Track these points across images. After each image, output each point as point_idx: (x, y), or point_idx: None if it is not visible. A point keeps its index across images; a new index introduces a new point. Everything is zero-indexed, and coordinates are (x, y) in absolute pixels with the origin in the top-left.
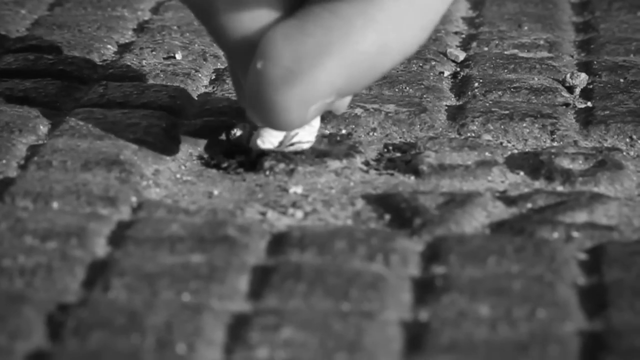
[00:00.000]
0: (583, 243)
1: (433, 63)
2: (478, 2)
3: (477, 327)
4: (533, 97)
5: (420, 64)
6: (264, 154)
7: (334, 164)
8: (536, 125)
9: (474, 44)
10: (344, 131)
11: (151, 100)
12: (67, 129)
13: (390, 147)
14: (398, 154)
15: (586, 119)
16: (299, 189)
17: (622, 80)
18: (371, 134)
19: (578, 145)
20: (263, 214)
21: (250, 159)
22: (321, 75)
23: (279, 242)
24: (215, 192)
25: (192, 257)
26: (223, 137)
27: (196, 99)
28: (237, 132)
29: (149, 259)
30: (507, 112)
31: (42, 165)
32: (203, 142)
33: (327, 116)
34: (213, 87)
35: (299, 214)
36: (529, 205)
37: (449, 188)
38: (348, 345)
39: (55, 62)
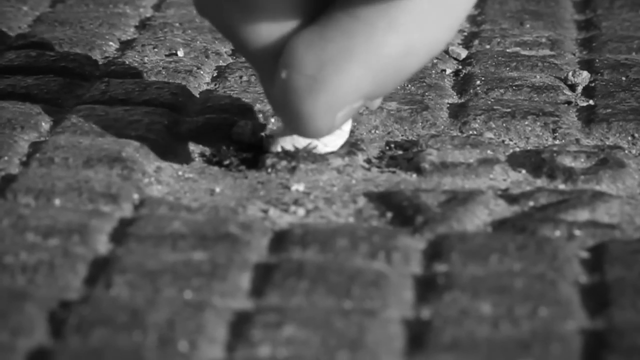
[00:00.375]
0: (585, 241)
1: (435, 61)
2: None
3: (479, 325)
4: (535, 95)
5: None
6: (266, 151)
7: (336, 162)
8: (538, 123)
9: (476, 42)
10: None
11: (153, 97)
12: (69, 125)
13: (392, 145)
14: (400, 152)
15: (588, 117)
16: (300, 187)
17: (624, 78)
18: (373, 131)
19: (580, 144)
20: (265, 211)
21: (253, 157)
22: (345, 81)
23: (280, 239)
24: (217, 190)
25: (194, 254)
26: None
27: (198, 96)
28: (239, 129)
29: (150, 256)
30: (509, 110)
31: (44, 162)
32: (205, 139)
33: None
34: (215, 85)
35: (301, 211)
36: (531, 203)
37: (451, 186)
38: (350, 343)
39: (57, 58)
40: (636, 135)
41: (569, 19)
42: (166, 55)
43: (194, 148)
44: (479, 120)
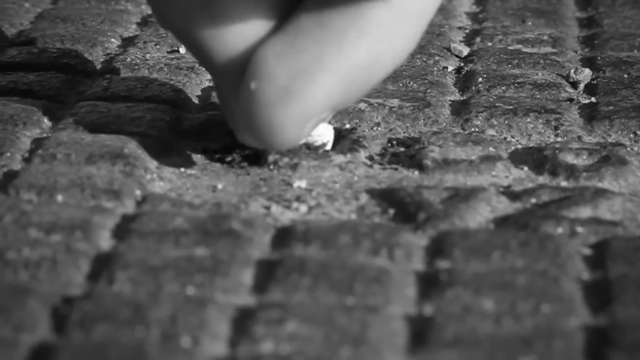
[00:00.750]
0: (587, 238)
1: (437, 58)
2: None
3: (481, 322)
4: (537, 93)
5: (424, 59)
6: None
7: (338, 159)
8: (540, 121)
9: (478, 39)
10: (347, 126)
11: (155, 94)
12: (71, 122)
13: (394, 142)
14: (402, 149)
15: (590, 115)
16: (303, 183)
17: (626, 75)
18: (375, 128)
19: (582, 141)
20: (267, 207)
21: (255, 153)
22: (318, 91)
23: (283, 236)
24: (220, 186)
25: (196, 250)
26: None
27: (200, 92)
28: None
29: (153, 252)
30: (511, 107)
31: (46, 158)
32: (207, 136)
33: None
34: None
35: (303, 208)
36: (533, 200)
37: (453, 183)
38: (352, 340)
39: (59, 55)
40: (638, 132)
41: (571, 16)
42: (168, 52)
43: (196, 145)
44: (481, 118)
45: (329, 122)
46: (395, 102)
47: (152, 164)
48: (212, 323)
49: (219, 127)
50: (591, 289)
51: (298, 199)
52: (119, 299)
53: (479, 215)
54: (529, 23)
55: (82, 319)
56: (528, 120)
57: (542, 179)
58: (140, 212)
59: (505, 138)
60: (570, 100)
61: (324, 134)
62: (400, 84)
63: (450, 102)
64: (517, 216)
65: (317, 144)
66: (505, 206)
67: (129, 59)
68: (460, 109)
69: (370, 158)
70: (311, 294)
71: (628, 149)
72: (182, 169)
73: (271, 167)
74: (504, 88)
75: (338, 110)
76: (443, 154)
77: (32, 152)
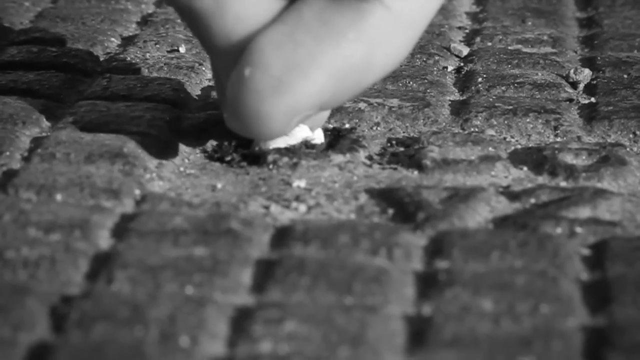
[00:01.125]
0: (586, 238)
1: (437, 58)
2: None
3: (480, 322)
4: (537, 93)
5: (424, 59)
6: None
7: (338, 158)
8: (540, 121)
9: (478, 39)
10: (347, 125)
11: (155, 93)
12: (70, 121)
13: (394, 142)
14: (401, 149)
15: (590, 115)
16: (302, 183)
17: (625, 76)
18: (375, 128)
19: (581, 141)
20: (266, 207)
21: (254, 153)
22: (310, 87)
23: (282, 235)
24: (219, 186)
25: (195, 250)
26: None
27: (200, 92)
28: None
29: (152, 251)
30: (510, 107)
31: (45, 157)
32: (206, 135)
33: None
34: None
35: (303, 207)
36: (532, 200)
37: (453, 183)
38: (351, 339)
39: (59, 54)
40: (637, 132)
41: (571, 16)
42: (168, 52)
43: (196, 144)
44: (480, 118)
45: (329, 122)
46: (394, 101)
47: (152, 163)
48: (210, 323)
49: (219, 126)
50: (590, 289)
51: (297, 198)
52: (117, 299)
53: (478, 215)
54: (529, 23)
55: (81, 318)
56: (527, 120)
57: (542, 179)
58: (140, 211)
59: (504, 138)
60: (570, 100)
61: (319, 137)
62: (400, 84)
63: (449, 102)
64: (516, 216)
65: (314, 141)
66: (504, 206)
67: (128, 58)
68: (459, 109)
69: (370, 158)
70: (310, 294)
71: (627, 149)
72: (182, 169)
73: (270, 166)
74: (503, 88)
75: (324, 110)
76: (442, 153)
77: (32, 151)
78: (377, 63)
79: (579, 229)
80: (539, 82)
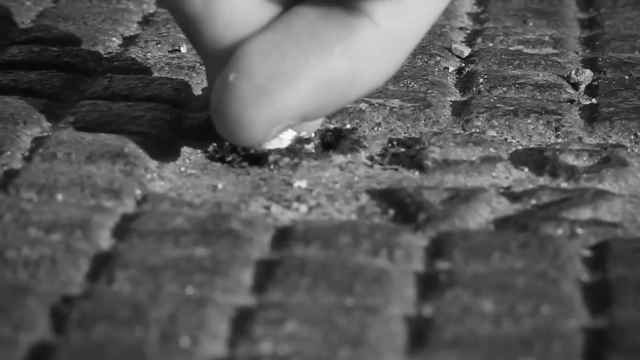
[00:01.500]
0: (587, 240)
1: (438, 59)
2: None
3: (481, 323)
4: (538, 94)
5: (426, 60)
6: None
7: (339, 159)
8: (541, 122)
9: (479, 40)
10: (348, 126)
11: (156, 93)
12: (71, 121)
13: (395, 143)
14: (403, 150)
15: (591, 116)
16: (303, 184)
17: (627, 77)
18: (376, 129)
19: (583, 142)
20: (267, 208)
21: (255, 153)
22: (293, 98)
23: (283, 236)
24: (220, 186)
25: (196, 250)
26: None
27: (201, 92)
28: None
29: (153, 252)
30: (512, 108)
31: (46, 157)
32: (208, 136)
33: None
34: None
35: (304, 208)
36: (534, 201)
37: (454, 184)
38: (352, 340)
39: (61, 54)
40: (639, 134)
41: (573, 17)
42: (169, 52)
43: (197, 144)
44: (482, 119)
45: (330, 123)
46: (396, 102)
47: (153, 163)
48: (211, 323)
49: None
50: (591, 290)
51: (298, 199)
52: (118, 299)
53: (479, 217)
54: (531, 24)
55: (82, 318)
56: (529, 121)
57: (543, 181)
58: (141, 211)
59: (506, 139)
60: (571, 101)
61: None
62: (402, 85)
63: (451, 103)
64: (517, 217)
65: (306, 137)
66: (505, 207)
67: (130, 59)
68: (461, 110)
69: (371, 159)
70: (311, 295)
71: (629, 150)
72: (183, 169)
73: (272, 167)
74: (505, 89)
75: (308, 121)
76: (444, 154)
77: (33, 151)
78: (363, 79)
79: (580, 231)
80: (540, 83)
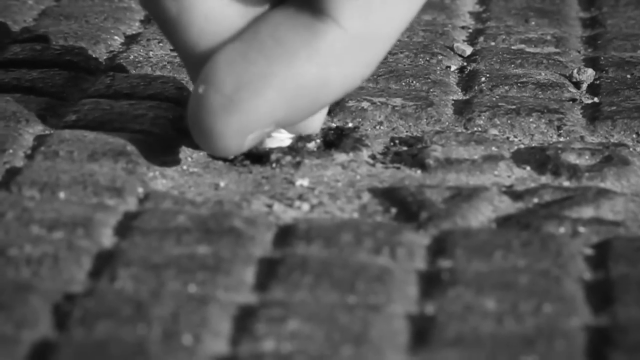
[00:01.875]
0: (589, 238)
1: (440, 57)
2: None
3: (483, 321)
4: (540, 92)
5: (427, 58)
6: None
7: (341, 157)
8: (543, 121)
9: (481, 39)
10: (350, 124)
11: (158, 91)
12: (73, 119)
13: (397, 141)
14: (404, 148)
15: (593, 115)
16: (305, 182)
17: (629, 76)
18: (378, 127)
19: (584, 141)
20: (269, 206)
21: (257, 152)
22: (261, 106)
23: (285, 234)
24: (222, 184)
25: (198, 248)
26: None
27: None
28: None
29: (155, 249)
30: (513, 106)
31: (48, 155)
32: None
33: (334, 109)
34: None
35: (305, 206)
36: (536, 200)
37: (456, 182)
38: (354, 338)
39: (62, 52)
40: None
41: (574, 16)
42: (171, 50)
43: None
44: (483, 117)
45: (332, 121)
46: (398, 101)
47: (155, 161)
48: (213, 321)
49: None
50: (593, 289)
51: (300, 197)
52: (120, 297)
53: (481, 215)
54: (532, 23)
55: (84, 316)
56: (531, 120)
57: (545, 179)
58: (143, 209)
59: (507, 138)
60: (573, 100)
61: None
62: (403, 83)
63: (453, 102)
64: (519, 216)
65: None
66: (507, 206)
67: (132, 57)
68: (463, 109)
69: (373, 157)
70: (313, 293)
71: (630, 149)
72: (185, 167)
73: (273, 165)
74: (506, 88)
75: (284, 126)
76: (445, 153)
77: (35, 149)
78: (333, 82)
79: (582, 229)
80: (542, 81)
